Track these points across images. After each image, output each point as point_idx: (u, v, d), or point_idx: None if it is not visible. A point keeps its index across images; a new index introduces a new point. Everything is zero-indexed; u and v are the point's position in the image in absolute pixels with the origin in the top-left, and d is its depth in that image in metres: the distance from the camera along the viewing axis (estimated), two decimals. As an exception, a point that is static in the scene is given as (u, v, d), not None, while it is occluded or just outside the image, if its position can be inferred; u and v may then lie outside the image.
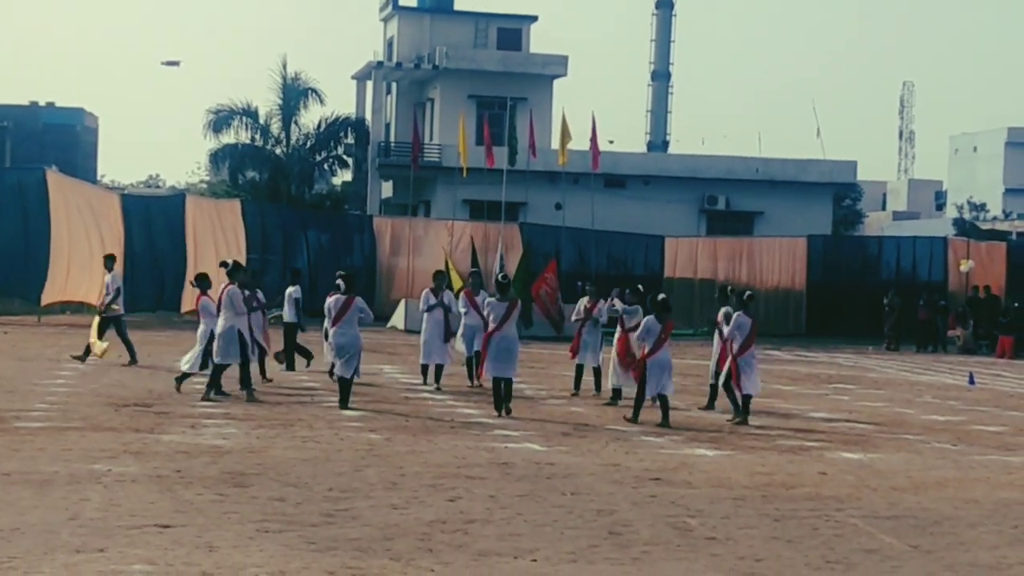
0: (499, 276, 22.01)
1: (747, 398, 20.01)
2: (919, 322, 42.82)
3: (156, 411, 18.53)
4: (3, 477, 12.79)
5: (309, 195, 63.46)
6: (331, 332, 19.97)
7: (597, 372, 23.44)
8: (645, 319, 19.58)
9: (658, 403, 19.39)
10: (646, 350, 19.38)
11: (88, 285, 39.48)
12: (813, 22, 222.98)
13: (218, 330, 20.50)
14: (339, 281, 20.16)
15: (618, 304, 23.44)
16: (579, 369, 23.65)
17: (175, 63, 68.24)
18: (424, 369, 24.05)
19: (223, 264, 21.43)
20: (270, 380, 22.80)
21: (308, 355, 25.08)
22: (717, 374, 21.06)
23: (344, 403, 19.59)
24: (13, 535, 10.34)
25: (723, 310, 21.17)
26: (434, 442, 16.47)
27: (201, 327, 21.24)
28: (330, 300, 20.14)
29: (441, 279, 24.99)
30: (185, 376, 21.08)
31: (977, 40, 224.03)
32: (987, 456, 17.37)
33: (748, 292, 21.20)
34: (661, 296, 19.87)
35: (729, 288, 22.86)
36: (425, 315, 24.09)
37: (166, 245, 42.52)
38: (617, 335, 22.00)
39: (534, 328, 37.06)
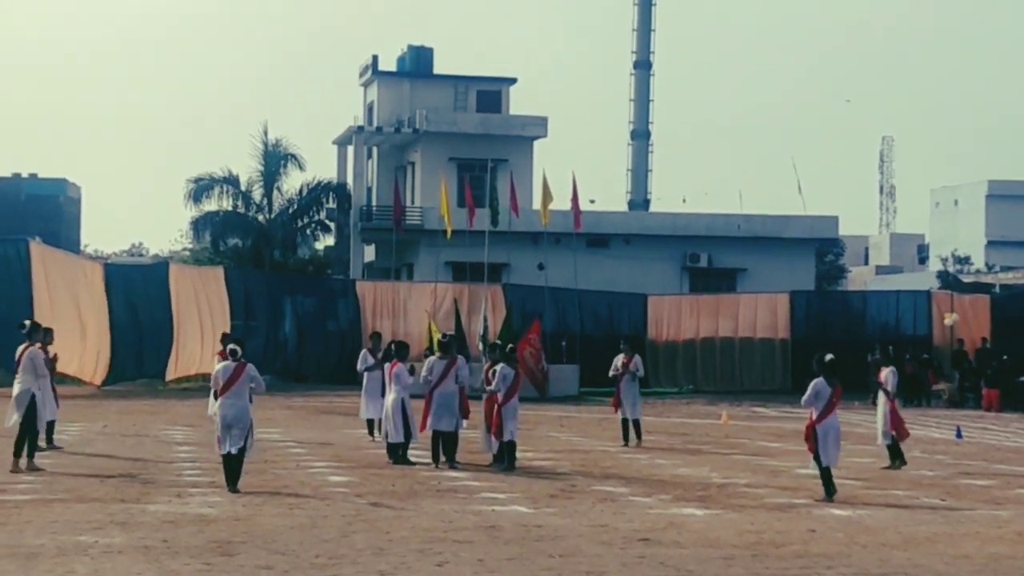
0: (440, 336, 23.17)
1: (511, 445, 21.09)
2: (905, 376, 42.79)
3: (142, 480, 18.45)
4: (-12, 551, 12.71)
5: (292, 260, 63.50)
6: (218, 403, 17.95)
7: (637, 424, 25.64)
8: (814, 382, 17.82)
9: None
10: (814, 416, 17.89)
11: (70, 355, 39.35)
12: (791, 78, 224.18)
13: (14, 392, 19.95)
14: (231, 346, 18.15)
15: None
16: (624, 423, 25.70)
17: None
18: (369, 424, 25.33)
19: (21, 326, 21.06)
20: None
21: None
22: (886, 434, 22.59)
23: (232, 484, 17.38)
24: (-2, 610, 10.28)
25: (887, 369, 22.65)
26: (421, 506, 16.42)
27: (392, 396, 21.39)
28: (218, 367, 18.14)
29: (377, 339, 26.46)
30: (395, 446, 21.30)
31: (956, 94, 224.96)
32: (976, 511, 17.34)
33: (511, 345, 23.14)
34: (829, 357, 18.13)
35: (890, 348, 23.40)
36: (365, 374, 25.33)
37: (150, 313, 42.51)
38: (485, 397, 21.62)
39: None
